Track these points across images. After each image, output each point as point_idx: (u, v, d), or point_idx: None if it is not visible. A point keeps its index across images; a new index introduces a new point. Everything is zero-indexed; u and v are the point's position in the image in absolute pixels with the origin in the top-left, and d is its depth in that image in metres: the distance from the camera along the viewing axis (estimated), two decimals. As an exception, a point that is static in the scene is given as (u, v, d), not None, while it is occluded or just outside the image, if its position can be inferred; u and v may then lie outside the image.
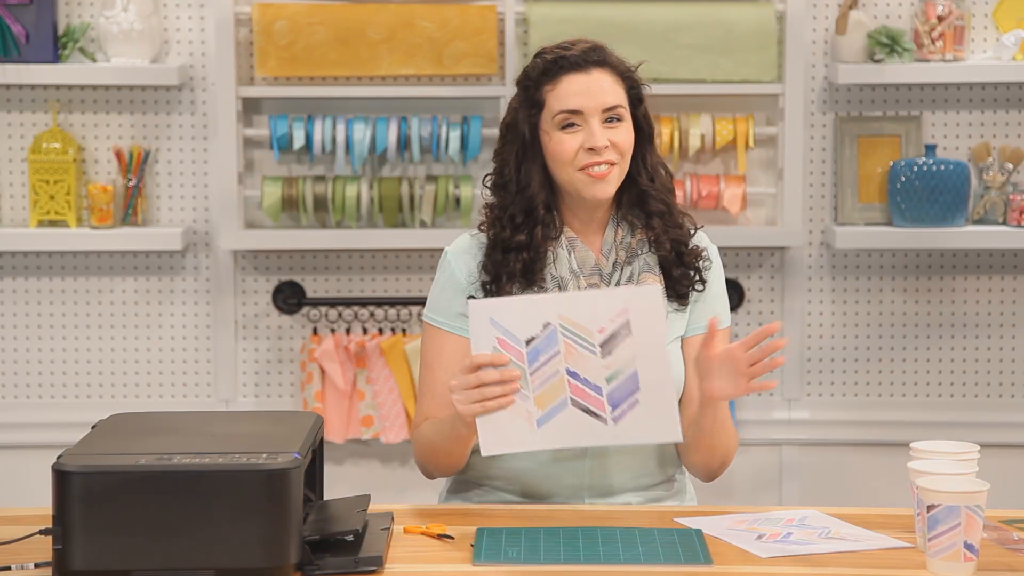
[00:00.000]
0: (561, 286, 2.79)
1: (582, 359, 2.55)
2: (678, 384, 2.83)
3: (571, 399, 2.56)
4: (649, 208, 2.83)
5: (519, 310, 2.56)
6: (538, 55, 2.83)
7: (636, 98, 2.83)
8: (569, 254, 2.81)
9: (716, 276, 2.89)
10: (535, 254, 2.79)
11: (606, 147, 2.76)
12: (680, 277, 2.83)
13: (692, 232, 2.87)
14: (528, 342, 2.55)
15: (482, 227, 2.86)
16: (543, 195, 2.81)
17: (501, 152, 2.85)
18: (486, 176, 2.88)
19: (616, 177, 2.79)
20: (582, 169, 2.76)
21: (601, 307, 2.54)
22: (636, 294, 2.57)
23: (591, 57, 2.79)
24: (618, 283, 2.81)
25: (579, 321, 2.55)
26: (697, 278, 2.85)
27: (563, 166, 2.78)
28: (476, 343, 2.57)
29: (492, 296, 2.80)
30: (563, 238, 2.82)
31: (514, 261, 2.79)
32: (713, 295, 2.88)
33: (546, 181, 2.81)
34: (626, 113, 2.80)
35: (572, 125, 2.77)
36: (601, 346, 2.54)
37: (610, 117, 2.78)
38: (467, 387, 2.57)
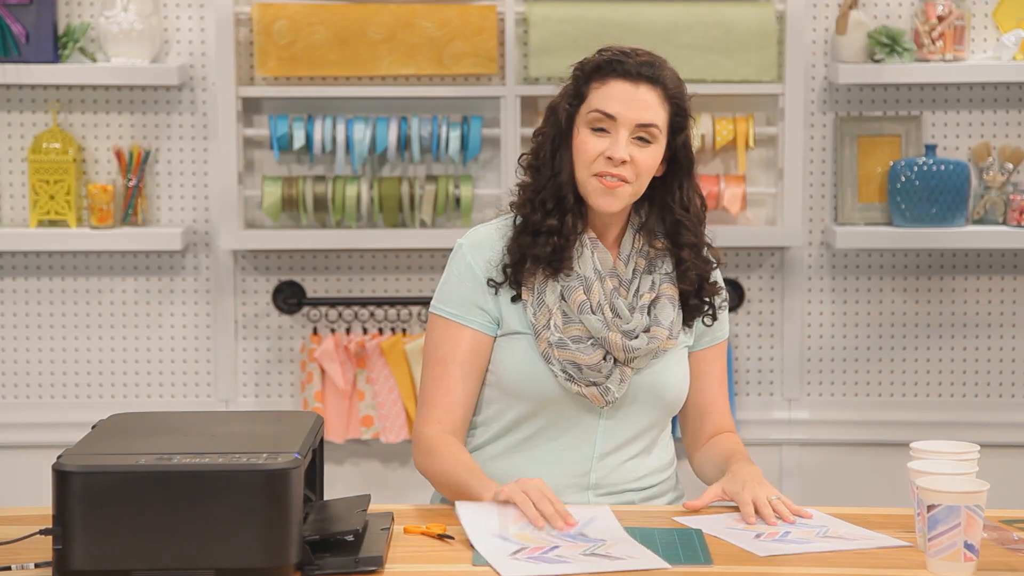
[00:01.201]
0: (586, 285, 2.78)
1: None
2: (681, 394, 2.85)
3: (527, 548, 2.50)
4: (681, 239, 2.82)
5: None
6: (600, 51, 2.82)
7: (678, 125, 2.80)
8: (592, 254, 2.80)
9: (724, 317, 2.93)
10: (565, 241, 2.78)
11: (624, 161, 2.74)
12: (694, 308, 2.84)
13: (714, 266, 2.87)
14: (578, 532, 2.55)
15: (512, 205, 2.84)
16: (574, 184, 2.80)
17: (541, 133, 2.84)
18: (522, 155, 2.87)
19: (627, 195, 2.77)
20: (597, 175, 2.76)
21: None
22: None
23: (645, 71, 2.76)
24: (638, 290, 2.80)
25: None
26: (710, 312, 2.86)
27: (581, 166, 2.77)
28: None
29: (513, 280, 2.78)
30: (586, 237, 2.81)
31: (544, 244, 2.77)
32: (718, 334, 2.92)
33: (575, 172, 2.81)
34: (660, 135, 2.77)
35: (602, 130, 2.76)
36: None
37: (641, 136, 2.76)
38: (537, 494, 2.55)
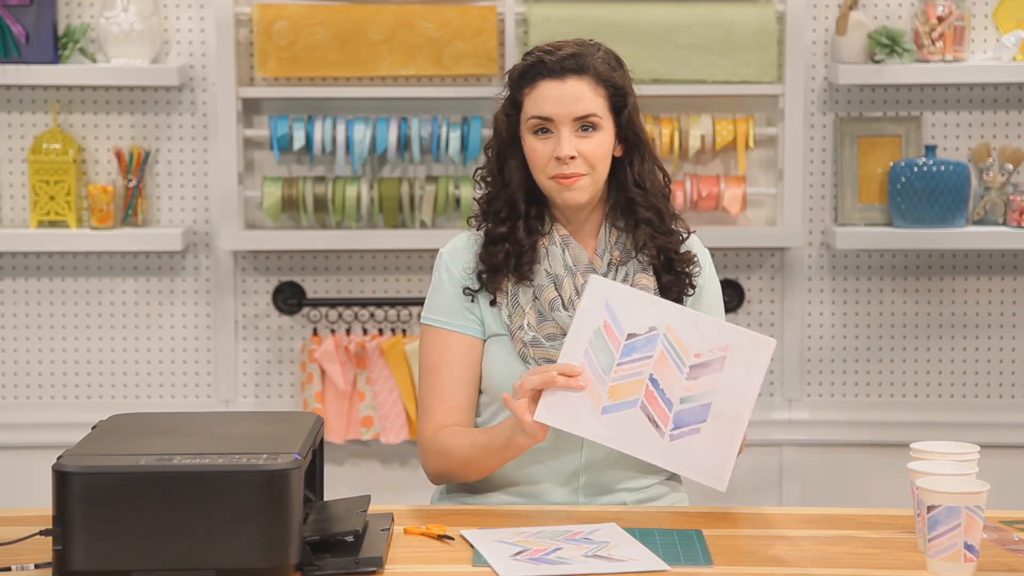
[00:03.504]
0: (556, 282, 2.80)
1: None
2: None
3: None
4: (637, 215, 2.83)
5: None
6: (525, 55, 2.85)
7: (619, 105, 2.81)
8: (563, 251, 2.82)
9: (710, 281, 2.91)
10: (519, 248, 2.81)
11: (572, 157, 2.76)
12: (669, 284, 2.84)
13: (684, 237, 2.87)
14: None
15: (470, 221, 2.89)
16: (523, 191, 2.83)
17: (490, 146, 2.88)
18: (477, 170, 2.90)
19: (587, 186, 2.79)
20: (553, 178, 2.78)
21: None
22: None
23: (568, 64, 2.78)
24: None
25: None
26: (687, 282, 2.86)
27: (537, 172, 2.81)
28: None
29: (488, 287, 2.81)
30: (556, 235, 2.83)
31: (499, 253, 2.80)
32: (709, 301, 2.90)
33: (526, 179, 2.83)
34: (602, 121, 2.79)
35: (544, 131, 2.79)
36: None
37: (584, 125, 2.78)
38: (538, 371, 2.59)
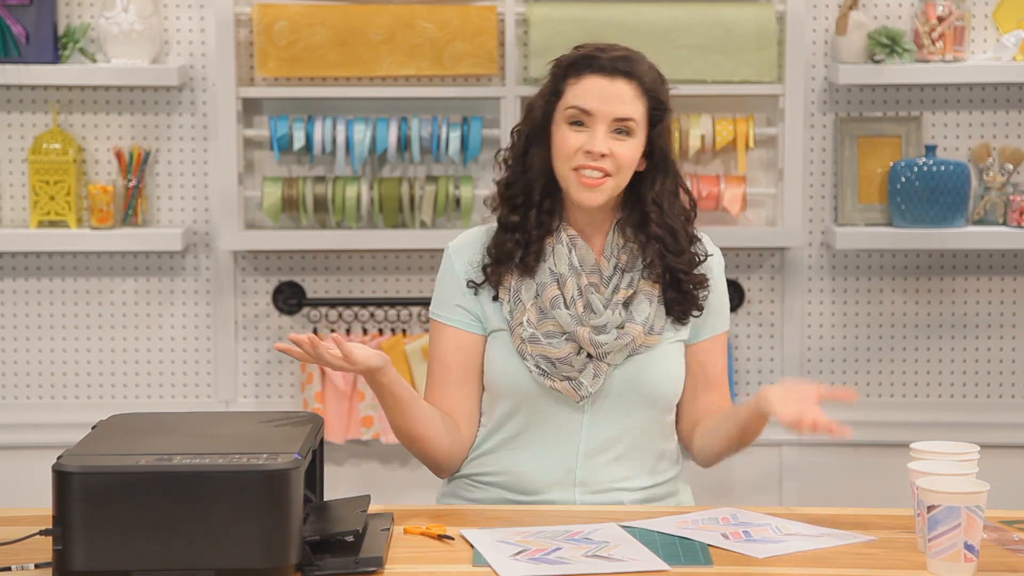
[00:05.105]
0: (560, 281, 2.80)
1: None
2: (667, 390, 2.84)
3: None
4: (649, 231, 2.82)
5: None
6: (577, 48, 2.85)
7: (656, 119, 2.81)
8: (569, 251, 2.82)
9: (718, 280, 2.90)
10: (527, 238, 2.81)
11: (604, 155, 2.76)
12: (671, 301, 2.84)
13: (700, 260, 2.86)
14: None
15: (486, 201, 2.89)
16: (542, 181, 2.82)
17: (518, 130, 2.87)
18: (499, 151, 2.89)
19: (609, 189, 2.79)
20: (576, 169, 2.77)
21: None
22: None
23: (619, 66, 2.79)
24: (617, 287, 2.81)
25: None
26: (693, 303, 2.85)
27: (561, 161, 2.80)
28: None
29: (491, 280, 2.82)
30: (563, 235, 2.83)
31: (509, 241, 2.81)
32: (716, 301, 2.90)
33: (547, 169, 2.82)
34: (637, 129, 2.79)
35: (579, 124, 2.78)
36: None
37: (619, 129, 2.78)
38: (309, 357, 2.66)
